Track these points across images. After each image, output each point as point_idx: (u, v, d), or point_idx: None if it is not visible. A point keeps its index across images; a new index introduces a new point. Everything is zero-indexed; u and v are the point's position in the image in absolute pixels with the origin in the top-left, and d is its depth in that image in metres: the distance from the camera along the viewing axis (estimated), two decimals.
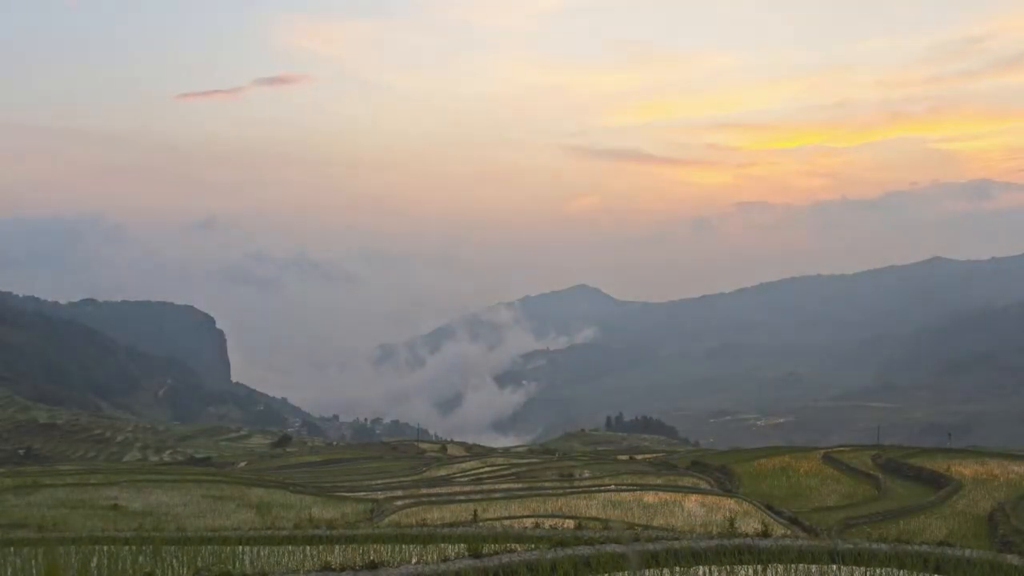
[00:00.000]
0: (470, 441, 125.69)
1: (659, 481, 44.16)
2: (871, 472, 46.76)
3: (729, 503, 34.34)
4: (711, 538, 10.97)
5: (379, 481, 49.61)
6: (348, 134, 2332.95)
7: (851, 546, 10.54)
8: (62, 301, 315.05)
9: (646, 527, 24.16)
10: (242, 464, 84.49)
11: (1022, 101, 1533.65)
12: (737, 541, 10.65)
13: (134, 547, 11.65)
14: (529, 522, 25.06)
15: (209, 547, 11.90)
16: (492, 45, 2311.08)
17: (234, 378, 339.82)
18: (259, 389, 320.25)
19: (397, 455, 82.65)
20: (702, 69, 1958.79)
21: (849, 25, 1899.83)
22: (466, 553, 9.64)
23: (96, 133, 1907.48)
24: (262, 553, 11.77)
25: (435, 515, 28.67)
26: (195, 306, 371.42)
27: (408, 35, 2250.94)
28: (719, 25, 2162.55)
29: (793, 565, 9.87)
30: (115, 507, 30.08)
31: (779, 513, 33.49)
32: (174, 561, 11.02)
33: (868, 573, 9.93)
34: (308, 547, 12.04)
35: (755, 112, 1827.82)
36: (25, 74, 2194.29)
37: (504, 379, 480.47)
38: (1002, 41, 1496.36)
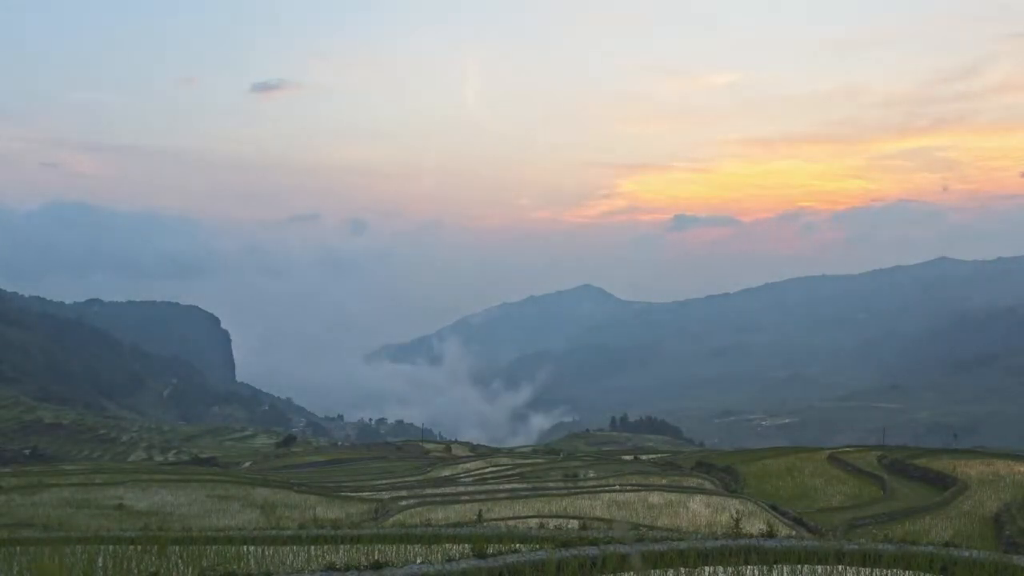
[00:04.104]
0: (474, 441, 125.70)
1: (664, 481, 44.09)
2: (876, 473, 46.64)
3: (734, 503, 34.27)
4: (716, 539, 10.95)
5: (383, 481, 49.62)
6: (363, 139, 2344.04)
7: (857, 547, 10.51)
8: (67, 301, 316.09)
9: (651, 527, 24.14)
10: (247, 464, 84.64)
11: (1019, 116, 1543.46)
12: (742, 542, 10.62)
13: (139, 547, 11.66)
14: (534, 522, 25.06)
15: (214, 547, 11.90)
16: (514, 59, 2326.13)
17: (239, 378, 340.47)
18: (264, 389, 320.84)
19: (402, 455, 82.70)
20: (719, 85, 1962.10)
21: (859, 48, 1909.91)
22: (471, 553, 9.62)
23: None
24: (267, 553, 11.76)
25: (439, 515, 28.66)
26: (200, 306, 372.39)
27: (435, 44, 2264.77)
28: (741, 45, 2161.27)
29: (799, 566, 9.84)
30: (120, 507, 30.14)
31: (784, 514, 33.43)
32: (179, 561, 11.03)
33: (874, 574, 9.90)
34: (313, 547, 12.02)
35: (762, 126, 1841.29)
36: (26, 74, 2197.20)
37: (509, 379, 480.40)
38: (1002, 63, 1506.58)
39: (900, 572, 10.00)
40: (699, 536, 11.58)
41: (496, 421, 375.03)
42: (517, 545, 10.88)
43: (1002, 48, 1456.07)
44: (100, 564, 10.55)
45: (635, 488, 39.07)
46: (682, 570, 9.56)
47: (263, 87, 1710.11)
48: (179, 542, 12.01)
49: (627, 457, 76.35)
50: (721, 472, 51.14)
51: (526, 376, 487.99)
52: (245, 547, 12.01)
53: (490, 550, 9.73)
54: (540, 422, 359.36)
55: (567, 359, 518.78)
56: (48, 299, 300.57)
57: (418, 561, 9.41)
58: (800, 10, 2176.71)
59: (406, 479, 51.09)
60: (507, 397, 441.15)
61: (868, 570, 9.95)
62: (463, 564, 9.12)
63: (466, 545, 11.28)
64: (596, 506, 33.37)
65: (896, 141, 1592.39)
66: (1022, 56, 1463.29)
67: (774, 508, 34.35)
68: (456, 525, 16.44)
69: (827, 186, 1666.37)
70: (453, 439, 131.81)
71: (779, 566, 9.80)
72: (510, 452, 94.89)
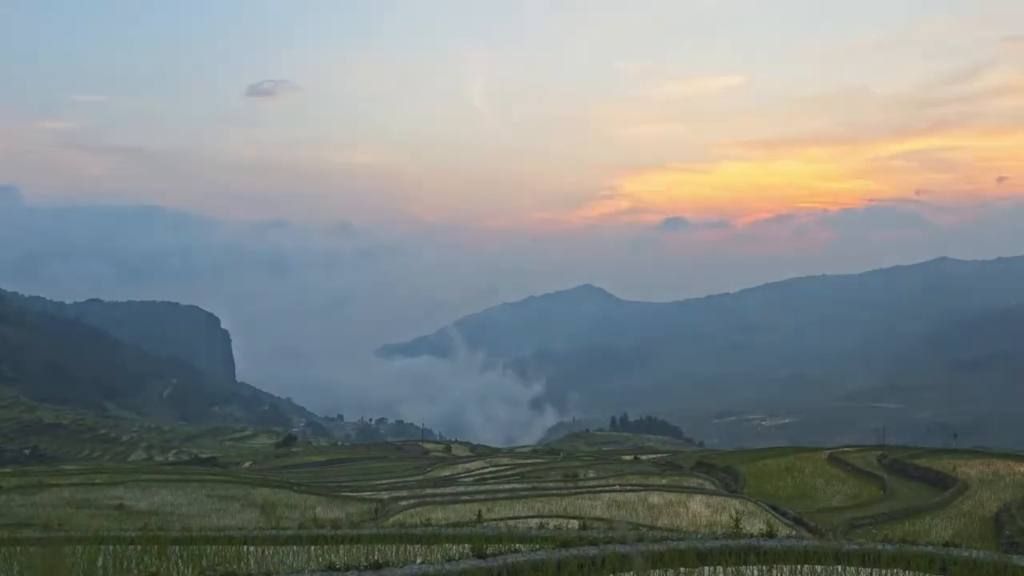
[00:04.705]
0: (474, 441, 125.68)
1: (664, 481, 44.07)
2: (876, 473, 46.63)
3: (734, 503, 34.26)
4: (716, 539, 10.95)
5: (383, 481, 49.61)
6: (363, 141, 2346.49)
7: (857, 547, 10.51)
8: (67, 301, 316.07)
9: (651, 527, 24.13)
10: (247, 464, 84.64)
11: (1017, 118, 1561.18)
12: (742, 542, 10.62)
13: (139, 547, 11.66)
14: (533, 522, 25.04)
15: (214, 547, 11.90)
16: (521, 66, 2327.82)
17: (239, 378, 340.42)
18: (264, 389, 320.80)
19: (401, 455, 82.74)
20: (722, 88, 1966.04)
21: (859, 52, 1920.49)
22: (470, 553, 9.62)
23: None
24: (267, 553, 11.77)
25: (439, 515, 28.63)
26: (200, 306, 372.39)
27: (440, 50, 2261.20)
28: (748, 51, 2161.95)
29: (799, 566, 9.84)
30: (120, 507, 30.11)
31: (784, 513, 33.42)
32: (179, 561, 11.03)
33: (874, 574, 9.90)
34: (312, 547, 12.02)
35: (764, 128, 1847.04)
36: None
37: (508, 379, 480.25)
38: (1001, 67, 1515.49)
39: (900, 572, 10.01)
40: (699, 536, 11.57)
41: (497, 421, 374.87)
42: (517, 545, 10.88)
43: (1001, 52, 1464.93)
44: (100, 564, 10.55)
45: (635, 488, 39.04)
46: (682, 570, 9.56)
47: (265, 89, 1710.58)
48: (179, 542, 12.01)
49: (627, 457, 76.27)
50: (721, 472, 51.13)
51: (526, 376, 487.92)
52: (245, 547, 12.00)
53: (490, 550, 9.73)
54: (541, 421, 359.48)
55: (567, 359, 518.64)
56: (48, 299, 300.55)
57: (418, 561, 9.41)
58: (802, 15, 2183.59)
59: (406, 479, 51.07)
60: (507, 397, 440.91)
61: (868, 570, 9.95)
62: (463, 564, 9.12)
63: (466, 545, 11.29)
64: (596, 506, 33.34)
65: (896, 143, 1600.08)
66: (1020, 59, 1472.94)
67: (774, 508, 34.33)
68: (456, 525, 16.44)
69: (828, 187, 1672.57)
70: (453, 439, 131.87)
71: (779, 566, 9.80)
72: (510, 452, 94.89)
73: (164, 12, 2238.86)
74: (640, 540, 10.73)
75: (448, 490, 41.23)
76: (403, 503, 33.68)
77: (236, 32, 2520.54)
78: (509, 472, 54.41)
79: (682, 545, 10.20)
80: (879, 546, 10.62)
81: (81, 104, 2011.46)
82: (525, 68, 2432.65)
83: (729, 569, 9.74)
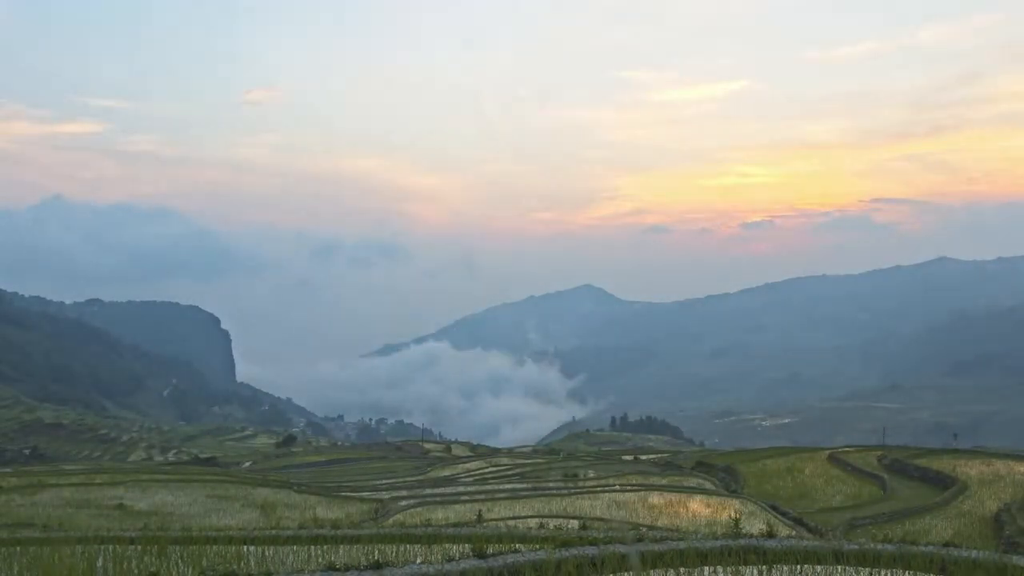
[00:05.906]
0: (474, 441, 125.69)
1: (664, 481, 44.04)
2: (876, 473, 46.62)
3: (734, 503, 34.24)
4: (716, 539, 10.94)
5: (384, 481, 49.58)
6: (364, 144, 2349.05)
7: (856, 547, 10.50)
8: (67, 301, 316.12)
9: (651, 527, 24.11)
10: (247, 464, 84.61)
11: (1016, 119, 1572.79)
12: (742, 542, 10.61)
13: (139, 547, 11.65)
14: (533, 522, 25.00)
15: (214, 547, 11.89)
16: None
17: (239, 378, 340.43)
18: (264, 389, 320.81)
19: (402, 455, 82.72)
20: (725, 92, 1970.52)
21: (861, 57, 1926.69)
22: (471, 553, 9.61)
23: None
24: (267, 553, 11.76)
25: (439, 515, 28.63)
26: (200, 306, 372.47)
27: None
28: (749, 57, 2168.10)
29: (799, 566, 9.83)
30: (120, 507, 30.09)
31: (784, 514, 33.40)
32: (179, 561, 11.02)
33: (874, 574, 9.89)
34: (313, 547, 12.02)
35: (766, 131, 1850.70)
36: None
37: (508, 379, 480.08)
38: (1001, 69, 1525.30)
39: (900, 572, 9.99)
40: (699, 536, 11.56)
41: (497, 420, 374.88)
42: (517, 545, 10.88)
43: (1001, 56, 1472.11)
44: (100, 564, 10.54)
45: (635, 488, 39.00)
46: (681, 570, 9.56)
47: (260, 98, 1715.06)
48: (179, 542, 12.00)
49: (627, 457, 76.26)
50: (721, 472, 51.12)
51: (525, 376, 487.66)
52: (245, 547, 11.99)
53: (490, 550, 9.72)
54: (540, 420, 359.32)
55: (568, 359, 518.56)
56: (48, 299, 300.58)
57: (418, 561, 9.41)
58: (803, 20, 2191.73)
59: (406, 479, 51.04)
60: (507, 396, 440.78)
61: (868, 570, 9.94)
62: (463, 564, 9.11)
63: (466, 545, 11.28)
64: (596, 506, 33.30)
65: (897, 146, 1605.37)
66: (1020, 63, 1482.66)
67: (774, 508, 34.32)
68: (456, 525, 16.43)
69: (828, 188, 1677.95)
70: (453, 439, 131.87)
71: (779, 566, 9.79)
72: (510, 452, 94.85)
73: (162, 16, 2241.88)
74: (640, 540, 10.73)
75: (448, 490, 41.18)
76: (403, 503, 33.65)
77: (239, 36, 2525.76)
78: (509, 472, 54.36)
79: (682, 545, 10.19)
80: (879, 546, 10.61)
81: (89, 107, 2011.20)
82: (528, 72, 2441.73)
83: (729, 569, 9.74)
